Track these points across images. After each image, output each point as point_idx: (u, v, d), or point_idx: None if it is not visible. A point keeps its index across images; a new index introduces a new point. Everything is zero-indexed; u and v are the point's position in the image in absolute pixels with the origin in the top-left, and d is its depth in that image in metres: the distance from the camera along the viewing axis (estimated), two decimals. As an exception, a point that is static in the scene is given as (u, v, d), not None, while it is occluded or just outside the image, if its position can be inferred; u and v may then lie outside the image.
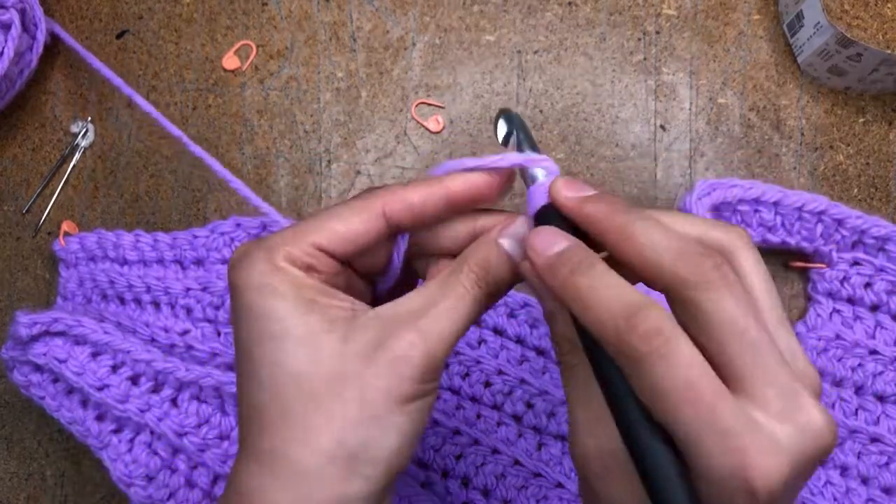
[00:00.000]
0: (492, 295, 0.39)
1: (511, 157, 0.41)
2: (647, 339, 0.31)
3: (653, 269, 0.33)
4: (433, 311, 0.37)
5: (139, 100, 0.74)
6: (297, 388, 0.36)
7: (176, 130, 0.72)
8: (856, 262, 0.66)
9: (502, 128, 0.42)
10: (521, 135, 0.42)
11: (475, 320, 0.39)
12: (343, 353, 0.36)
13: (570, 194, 0.37)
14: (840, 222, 0.65)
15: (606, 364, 0.33)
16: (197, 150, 0.72)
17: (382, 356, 0.36)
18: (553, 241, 0.36)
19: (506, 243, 0.39)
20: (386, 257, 0.43)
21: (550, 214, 0.39)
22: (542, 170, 0.40)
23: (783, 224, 0.65)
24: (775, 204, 0.65)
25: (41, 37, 0.75)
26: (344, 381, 0.36)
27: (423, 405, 0.37)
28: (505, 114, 0.43)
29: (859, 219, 0.65)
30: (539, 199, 0.39)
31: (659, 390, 0.30)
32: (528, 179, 0.41)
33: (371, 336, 0.37)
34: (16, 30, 0.71)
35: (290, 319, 0.36)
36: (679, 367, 0.30)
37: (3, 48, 0.71)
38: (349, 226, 0.39)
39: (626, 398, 0.32)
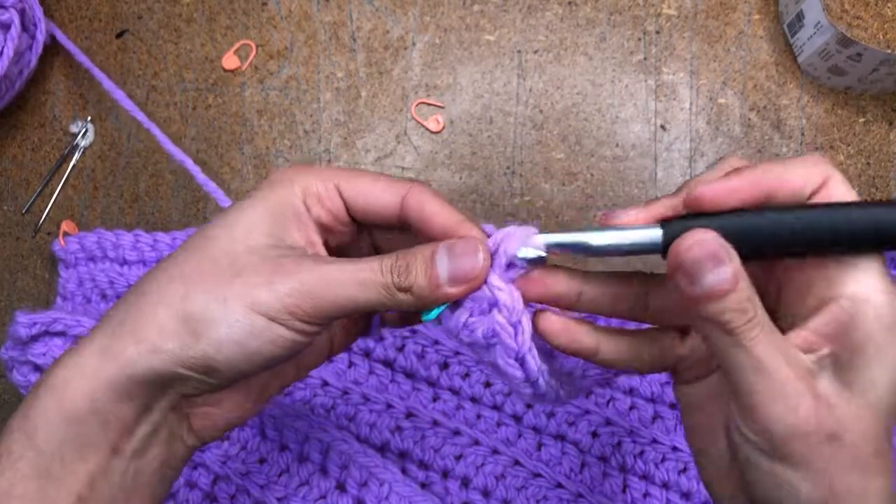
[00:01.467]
0: (403, 290, 0.40)
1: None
2: (822, 171, 0.39)
3: (794, 187, 0.38)
4: (341, 265, 0.39)
5: (128, 104, 0.74)
6: (202, 247, 0.40)
7: (165, 139, 0.72)
8: None
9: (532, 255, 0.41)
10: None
11: (380, 304, 0.40)
12: (255, 248, 0.40)
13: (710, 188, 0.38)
14: None
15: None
16: (174, 150, 0.72)
17: (271, 264, 0.39)
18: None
19: (441, 253, 0.40)
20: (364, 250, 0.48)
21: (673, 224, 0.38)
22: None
23: None
24: None
25: (41, 37, 0.75)
26: (232, 263, 0.39)
27: (276, 333, 0.39)
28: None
29: None
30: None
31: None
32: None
33: (284, 253, 0.40)
34: (15, 30, 0.71)
35: (256, 210, 0.41)
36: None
37: (3, 48, 0.71)
38: (372, 186, 0.43)
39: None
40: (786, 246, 0.37)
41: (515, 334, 0.40)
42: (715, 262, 0.35)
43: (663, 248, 0.38)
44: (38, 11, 0.75)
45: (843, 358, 0.37)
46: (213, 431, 0.44)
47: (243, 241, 0.40)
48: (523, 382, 0.41)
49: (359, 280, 0.39)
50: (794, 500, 0.36)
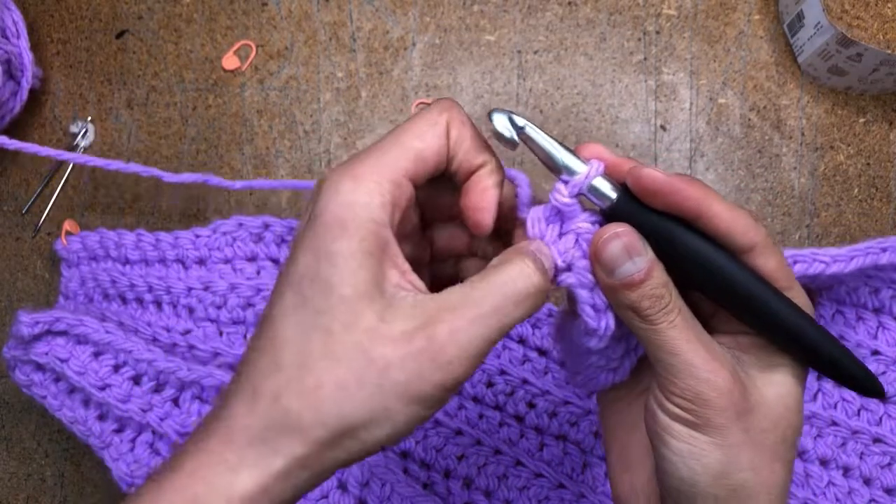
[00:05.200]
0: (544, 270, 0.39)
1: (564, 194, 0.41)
2: (765, 233, 0.40)
3: (733, 235, 0.39)
4: (487, 321, 0.37)
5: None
6: (323, 343, 0.36)
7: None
8: (866, 274, 0.65)
9: (504, 128, 0.41)
10: (539, 146, 0.41)
11: (527, 315, 0.38)
12: (376, 331, 0.36)
13: (660, 176, 0.39)
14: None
15: (732, 264, 0.39)
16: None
17: (416, 363, 0.36)
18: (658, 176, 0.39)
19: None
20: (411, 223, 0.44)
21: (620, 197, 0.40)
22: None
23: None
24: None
25: (26, 84, 0.75)
26: (368, 362, 0.36)
27: (432, 405, 0.37)
28: (503, 114, 0.41)
29: None
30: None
31: (781, 264, 0.40)
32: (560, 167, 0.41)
33: (408, 326, 0.36)
34: None
35: (344, 271, 0.36)
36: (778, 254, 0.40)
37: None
38: (425, 145, 0.39)
39: (757, 280, 0.39)
40: (718, 294, 0.40)
41: (593, 285, 0.41)
42: (629, 254, 0.38)
43: (606, 210, 0.41)
44: (27, 58, 0.74)
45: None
46: None
47: (355, 321, 0.36)
48: (593, 332, 0.42)
49: (514, 305, 0.37)
50: (702, 468, 0.39)
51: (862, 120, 0.73)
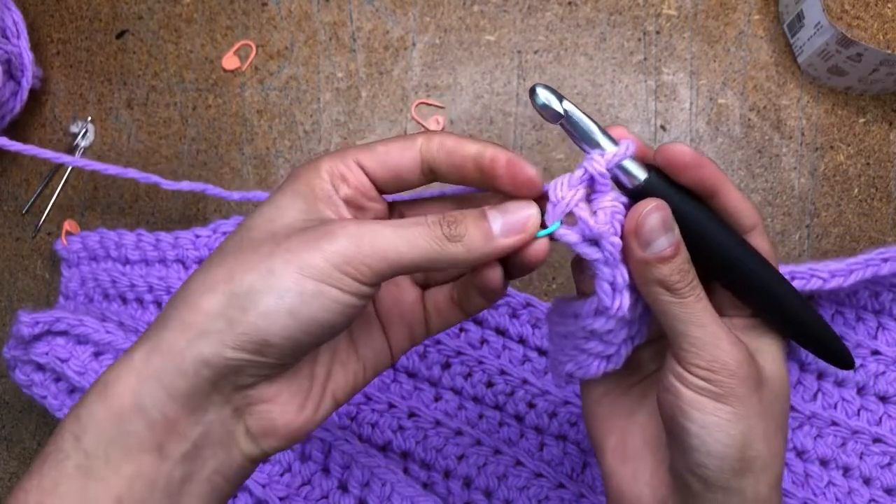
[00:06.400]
0: (453, 240, 0.40)
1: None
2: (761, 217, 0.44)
3: (740, 215, 0.43)
4: (385, 223, 0.40)
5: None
6: (240, 234, 0.41)
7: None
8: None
9: (549, 100, 0.41)
10: (578, 130, 0.42)
11: (429, 262, 0.40)
12: (292, 223, 0.40)
13: (690, 153, 0.41)
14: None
15: (737, 243, 0.42)
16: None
17: (313, 231, 0.39)
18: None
19: (493, 211, 0.41)
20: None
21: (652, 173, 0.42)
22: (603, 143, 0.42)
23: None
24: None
25: (26, 84, 0.75)
26: (272, 237, 0.39)
27: (328, 297, 0.38)
28: (548, 92, 0.42)
29: None
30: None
31: (771, 246, 0.44)
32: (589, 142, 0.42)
33: (324, 222, 0.40)
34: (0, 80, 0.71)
35: (287, 196, 0.42)
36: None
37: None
38: (387, 149, 0.43)
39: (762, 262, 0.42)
40: (728, 269, 0.43)
41: (616, 263, 0.41)
42: (664, 228, 0.40)
43: (633, 189, 0.42)
44: (27, 58, 0.74)
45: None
46: (273, 440, 0.42)
47: (280, 221, 0.40)
48: (606, 313, 0.42)
49: (407, 232, 0.39)
50: (730, 440, 0.40)
51: (862, 120, 0.73)
